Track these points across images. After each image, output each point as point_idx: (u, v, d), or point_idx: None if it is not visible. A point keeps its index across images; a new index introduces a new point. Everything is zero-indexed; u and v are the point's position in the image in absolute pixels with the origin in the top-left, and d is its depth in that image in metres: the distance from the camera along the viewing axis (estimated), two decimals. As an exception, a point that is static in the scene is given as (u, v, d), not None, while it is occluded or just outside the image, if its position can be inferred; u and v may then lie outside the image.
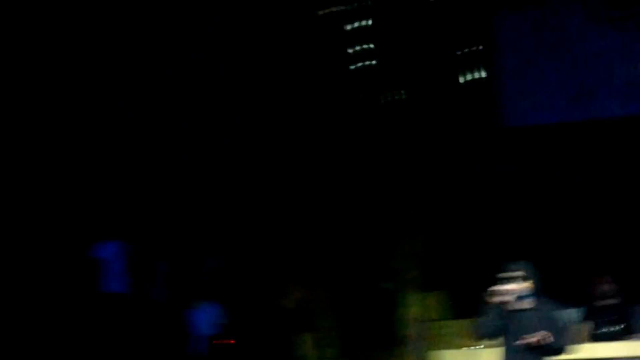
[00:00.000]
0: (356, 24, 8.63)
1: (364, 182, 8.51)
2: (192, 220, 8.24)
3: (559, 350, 5.58)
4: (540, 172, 8.32)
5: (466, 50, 8.58)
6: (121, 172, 8.21)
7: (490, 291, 5.59)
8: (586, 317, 7.80)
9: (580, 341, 7.59)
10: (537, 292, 5.67)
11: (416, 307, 8.41)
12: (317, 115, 8.35)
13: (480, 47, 8.57)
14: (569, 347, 5.60)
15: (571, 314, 8.03)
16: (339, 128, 8.36)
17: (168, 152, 8.34)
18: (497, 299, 5.54)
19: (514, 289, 5.55)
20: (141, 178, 8.27)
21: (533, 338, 5.39)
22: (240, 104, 8.40)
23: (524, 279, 5.59)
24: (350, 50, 8.64)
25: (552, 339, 5.35)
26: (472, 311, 6.03)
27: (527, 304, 5.63)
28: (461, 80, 8.60)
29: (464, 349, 7.13)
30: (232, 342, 6.25)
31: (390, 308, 8.30)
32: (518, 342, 5.40)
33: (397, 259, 8.60)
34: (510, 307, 5.62)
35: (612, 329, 7.57)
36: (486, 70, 8.51)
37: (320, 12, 8.42)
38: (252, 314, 8.26)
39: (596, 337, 7.57)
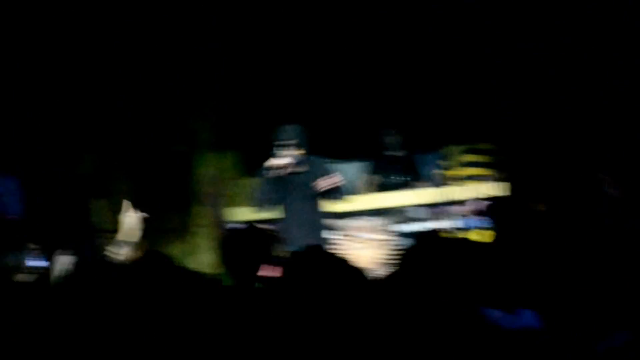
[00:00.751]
0: None
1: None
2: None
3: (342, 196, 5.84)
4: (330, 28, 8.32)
5: None
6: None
7: (266, 163, 5.71)
8: (374, 170, 8.12)
9: (368, 192, 7.96)
10: (310, 153, 5.86)
11: (211, 167, 8.43)
12: None
13: None
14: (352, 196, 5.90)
15: (357, 167, 8.39)
16: None
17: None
18: (272, 171, 5.67)
19: (287, 159, 5.68)
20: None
21: (325, 182, 5.56)
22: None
23: (297, 146, 5.73)
24: None
25: (343, 182, 5.56)
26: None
27: (301, 168, 5.80)
28: None
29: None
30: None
31: (186, 169, 8.26)
32: (316, 186, 5.57)
33: (192, 121, 8.50)
34: (285, 173, 5.77)
35: (399, 179, 7.93)
36: None
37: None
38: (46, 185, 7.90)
39: (384, 188, 7.92)
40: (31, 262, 4.63)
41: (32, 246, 4.81)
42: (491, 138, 7.89)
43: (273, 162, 5.72)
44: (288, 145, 5.75)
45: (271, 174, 5.75)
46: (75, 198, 7.60)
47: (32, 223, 7.23)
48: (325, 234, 5.92)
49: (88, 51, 8.05)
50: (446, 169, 8.00)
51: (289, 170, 5.79)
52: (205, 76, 8.42)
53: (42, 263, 4.70)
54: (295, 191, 5.82)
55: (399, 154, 8.01)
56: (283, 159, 5.72)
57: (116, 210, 8.31)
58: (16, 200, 7.13)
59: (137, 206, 8.41)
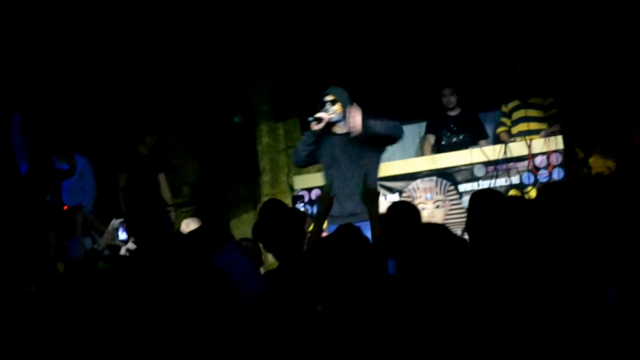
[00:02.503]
0: None
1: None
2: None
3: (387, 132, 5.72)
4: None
5: None
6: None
7: (312, 118, 5.72)
8: (428, 130, 8.07)
9: (426, 153, 7.93)
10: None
11: (268, 138, 8.50)
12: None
13: None
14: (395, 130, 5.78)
15: (414, 128, 8.35)
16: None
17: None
18: (315, 126, 5.68)
19: (329, 114, 5.68)
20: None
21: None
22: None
23: (333, 102, 5.73)
24: None
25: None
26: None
27: (342, 128, 5.79)
28: None
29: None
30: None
31: (244, 140, 8.34)
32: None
33: (248, 92, 8.56)
34: (329, 133, 5.78)
35: (455, 139, 7.87)
36: None
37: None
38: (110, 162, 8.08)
39: (441, 148, 7.87)
40: (122, 236, 4.80)
41: (118, 220, 4.94)
42: (547, 91, 7.75)
43: (316, 118, 5.73)
44: (329, 102, 5.76)
45: (313, 128, 5.76)
46: (142, 174, 7.77)
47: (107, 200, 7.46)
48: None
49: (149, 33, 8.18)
50: (504, 125, 7.90)
51: (332, 128, 5.82)
52: (258, 47, 8.47)
53: (125, 236, 4.86)
54: (341, 153, 5.81)
55: (456, 112, 7.95)
56: (323, 114, 5.73)
57: (180, 184, 8.53)
58: (92, 178, 7.36)
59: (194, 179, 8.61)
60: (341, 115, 5.74)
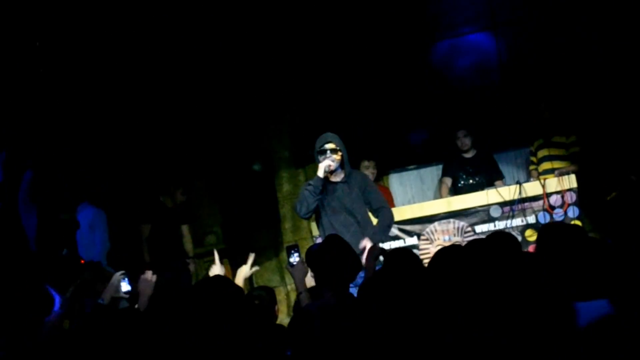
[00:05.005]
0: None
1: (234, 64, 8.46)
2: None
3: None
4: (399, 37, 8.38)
5: None
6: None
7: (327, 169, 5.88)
8: (445, 173, 8.14)
9: (443, 195, 7.99)
10: (347, 162, 6.01)
11: (289, 185, 8.62)
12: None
13: None
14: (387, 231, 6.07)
15: (432, 171, 8.44)
16: None
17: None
18: (319, 172, 5.83)
19: (328, 162, 5.84)
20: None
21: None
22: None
23: (333, 151, 5.88)
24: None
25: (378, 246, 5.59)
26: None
27: (338, 176, 5.96)
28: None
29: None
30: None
31: (264, 188, 8.46)
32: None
33: (267, 139, 8.70)
34: (326, 182, 5.93)
35: (471, 180, 7.93)
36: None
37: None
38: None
39: (457, 190, 7.93)
40: (125, 288, 4.88)
41: (123, 272, 5.02)
42: (570, 130, 7.80)
43: (326, 164, 5.90)
44: (330, 151, 5.92)
45: (319, 175, 5.92)
46: (166, 225, 7.88)
47: (119, 252, 7.55)
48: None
49: (163, 87, 8.35)
50: (533, 164, 7.96)
51: (329, 176, 5.97)
52: (276, 94, 8.62)
53: (130, 288, 4.94)
54: (331, 202, 5.98)
55: (472, 154, 8.01)
56: (324, 162, 5.90)
57: (204, 233, 8.65)
58: (105, 231, 7.46)
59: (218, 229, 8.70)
60: (339, 163, 5.93)
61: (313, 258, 4.52)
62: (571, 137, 7.74)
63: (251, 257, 5.23)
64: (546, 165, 7.76)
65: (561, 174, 7.25)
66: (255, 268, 5.23)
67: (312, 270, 4.62)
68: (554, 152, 7.76)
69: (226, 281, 3.64)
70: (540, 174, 7.73)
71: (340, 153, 5.97)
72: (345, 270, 4.38)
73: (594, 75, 8.05)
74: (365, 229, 5.99)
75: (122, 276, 4.82)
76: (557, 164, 7.68)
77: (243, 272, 5.25)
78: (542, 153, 7.84)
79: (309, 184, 6.00)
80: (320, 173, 5.90)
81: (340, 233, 5.72)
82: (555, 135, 7.80)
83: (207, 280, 3.80)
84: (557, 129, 7.81)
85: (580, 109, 8.09)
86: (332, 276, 4.35)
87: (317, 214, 6.11)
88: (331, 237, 4.68)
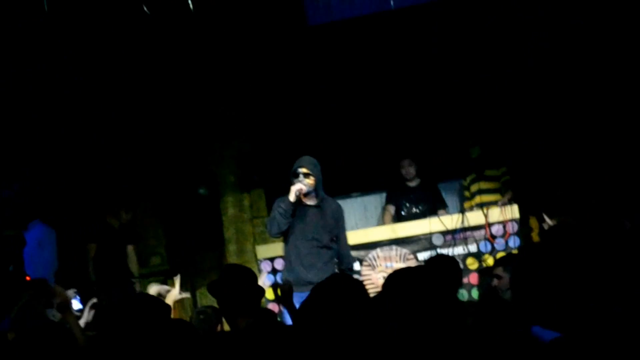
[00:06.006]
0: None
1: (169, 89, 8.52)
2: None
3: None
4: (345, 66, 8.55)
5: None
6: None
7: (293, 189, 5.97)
8: (388, 200, 8.30)
9: (386, 222, 8.14)
10: (322, 188, 6.14)
11: (234, 209, 8.69)
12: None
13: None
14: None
15: (376, 198, 8.60)
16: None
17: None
18: (290, 196, 5.93)
19: (300, 186, 5.95)
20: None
21: None
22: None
23: (306, 175, 6.00)
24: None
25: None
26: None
27: (311, 200, 6.08)
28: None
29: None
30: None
31: (210, 211, 8.53)
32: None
33: (214, 163, 8.77)
34: (298, 204, 6.05)
35: (414, 209, 8.10)
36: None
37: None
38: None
39: (401, 218, 8.09)
40: (76, 306, 4.89)
41: (73, 290, 5.03)
42: (503, 164, 8.04)
43: (297, 188, 6.00)
44: (302, 174, 6.03)
45: (290, 198, 6.01)
46: (112, 245, 7.90)
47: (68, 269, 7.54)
48: (331, 268, 6.16)
49: (111, 107, 8.38)
50: (466, 198, 8.17)
51: (302, 199, 6.07)
52: (224, 120, 8.70)
53: (80, 306, 4.94)
54: (302, 226, 6.09)
55: (415, 183, 8.19)
56: (295, 186, 5.99)
57: (149, 254, 8.67)
58: (54, 250, 7.43)
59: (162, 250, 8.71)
60: (313, 187, 6.03)
61: (214, 290, 4.59)
62: (502, 168, 7.99)
63: (177, 280, 5.30)
64: (477, 199, 7.98)
65: (504, 204, 7.46)
66: (187, 295, 5.29)
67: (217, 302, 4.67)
68: (487, 185, 8.00)
69: (154, 299, 3.71)
70: (472, 206, 7.91)
71: (313, 178, 6.07)
72: (245, 300, 4.40)
73: (522, 108, 8.32)
74: (330, 254, 6.19)
75: (75, 294, 4.84)
76: (487, 198, 7.90)
77: (172, 295, 5.33)
78: (474, 187, 8.07)
79: (280, 206, 6.07)
80: (291, 197, 5.99)
81: (304, 256, 5.90)
82: (486, 169, 8.03)
83: (136, 298, 3.86)
84: (488, 162, 8.04)
85: (510, 141, 8.33)
86: (233, 306, 4.39)
87: (284, 233, 6.19)
88: (229, 267, 4.78)
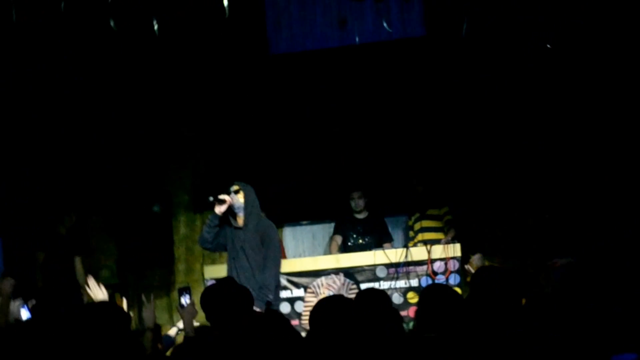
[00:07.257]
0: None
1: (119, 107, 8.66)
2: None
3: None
4: (307, 98, 8.74)
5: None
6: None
7: (213, 198, 6.30)
8: (336, 231, 8.50)
9: (333, 252, 8.32)
10: (255, 213, 6.41)
11: (185, 228, 8.84)
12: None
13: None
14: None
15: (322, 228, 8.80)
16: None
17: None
18: (217, 208, 6.26)
19: (226, 196, 6.30)
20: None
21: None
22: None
23: (236, 192, 6.36)
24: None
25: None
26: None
27: (241, 220, 6.39)
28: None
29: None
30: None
31: (161, 230, 8.66)
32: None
33: (169, 182, 8.91)
34: (232, 224, 6.35)
35: (360, 240, 8.32)
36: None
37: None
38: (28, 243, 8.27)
39: (347, 249, 8.29)
40: (25, 315, 4.93)
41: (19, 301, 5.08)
42: (439, 203, 8.30)
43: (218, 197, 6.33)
44: (233, 191, 6.49)
45: (216, 210, 6.41)
46: (59, 254, 7.98)
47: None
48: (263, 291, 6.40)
49: (70, 114, 8.51)
50: (410, 238, 8.39)
51: (233, 219, 6.37)
52: (180, 140, 8.87)
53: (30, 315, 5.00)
54: (233, 246, 6.39)
55: (364, 215, 8.41)
56: (226, 196, 6.32)
57: (98, 267, 8.75)
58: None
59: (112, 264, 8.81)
60: (242, 206, 6.33)
61: (206, 298, 4.67)
62: (444, 207, 8.24)
63: (124, 301, 5.43)
64: (420, 237, 8.21)
65: (447, 242, 7.69)
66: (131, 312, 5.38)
67: (204, 310, 4.79)
68: (429, 224, 8.23)
69: (113, 306, 3.75)
70: (415, 245, 8.09)
71: (242, 194, 6.40)
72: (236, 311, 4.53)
73: (465, 144, 8.60)
74: (255, 275, 6.46)
75: (22, 305, 4.87)
76: (429, 236, 8.13)
77: None
78: (418, 226, 8.30)
79: (208, 217, 6.56)
80: (216, 209, 6.38)
81: (237, 276, 6.13)
82: (429, 208, 8.27)
83: (93, 305, 3.96)
84: (430, 202, 8.29)
85: (452, 181, 8.59)
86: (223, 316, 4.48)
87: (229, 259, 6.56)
88: (225, 280, 4.96)
